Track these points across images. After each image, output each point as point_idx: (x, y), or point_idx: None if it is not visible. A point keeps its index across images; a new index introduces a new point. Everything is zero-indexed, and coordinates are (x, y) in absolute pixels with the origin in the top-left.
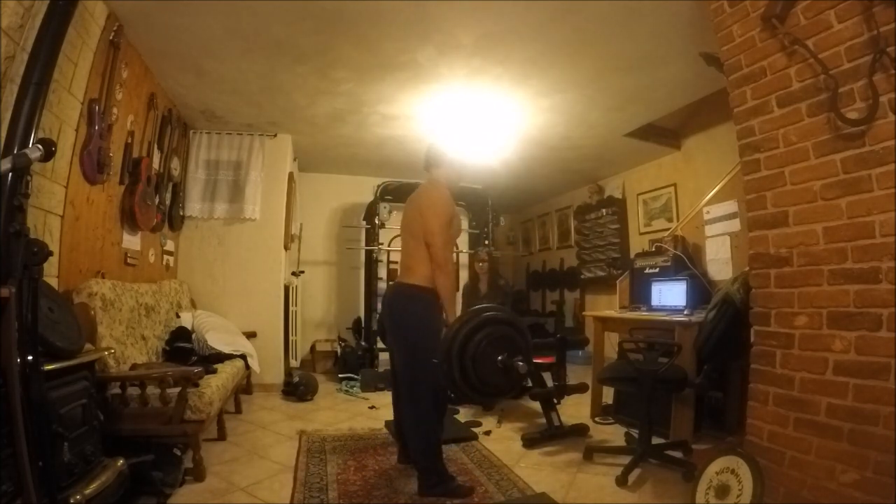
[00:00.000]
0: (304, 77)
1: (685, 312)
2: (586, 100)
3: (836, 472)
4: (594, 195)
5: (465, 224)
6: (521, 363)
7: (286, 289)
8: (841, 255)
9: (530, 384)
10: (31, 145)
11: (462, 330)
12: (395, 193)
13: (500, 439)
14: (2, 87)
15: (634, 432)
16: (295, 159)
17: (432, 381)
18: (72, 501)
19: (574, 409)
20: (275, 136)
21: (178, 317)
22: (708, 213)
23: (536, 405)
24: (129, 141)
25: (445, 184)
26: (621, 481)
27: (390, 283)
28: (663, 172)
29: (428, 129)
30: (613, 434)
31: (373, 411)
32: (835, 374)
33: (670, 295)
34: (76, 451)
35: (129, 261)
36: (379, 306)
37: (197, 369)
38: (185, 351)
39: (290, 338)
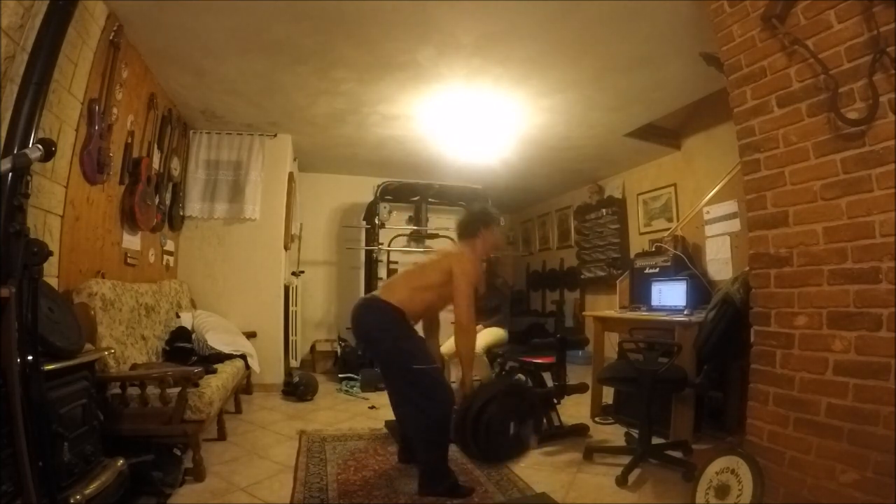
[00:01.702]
0: (304, 77)
1: (685, 312)
2: (586, 100)
3: (836, 472)
4: (594, 195)
5: None
6: (531, 436)
7: (286, 289)
8: (841, 255)
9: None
10: (31, 145)
11: (475, 405)
12: (395, 193)
13: None
14: (2, 87)
15: (634, 432)
16: (295, 159)
17: (426, 384)
18: (72, 501)
19: (574, 409)
20: (275, 136)
21: (178, 317)
22: (708, 213)
23: None
24: (129, 141)
25: (479, 254)
26: (621, 481)
27: (361, 297)
28: (663, 172)
29: (428, 129)
30: (613, 434)
31: (373, 411)
32: (835, 374)
33: (670, 295)
34: (76, 451)
35: (129, 261)
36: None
37: (197, 369)
38: (185, 351)
39: (290, 338)
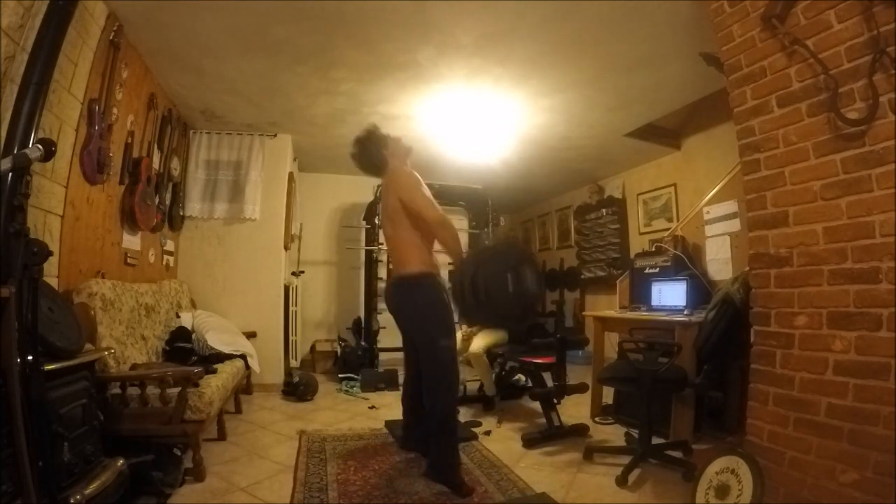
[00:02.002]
0: (304, 77)
1: (685, 312)
2: (586, 100)
3: (836, 472)
4: (594, 195)
5: (465, 224)
6: (534, 284)
7: (286, 289)
8: (841, 255)
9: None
10: (31, 145)
11: (466, 277)
12: None
13: (500, 439)
14: (2, 87)
15: (634, 432)
16: (295, 159)
17: (446, 358)
18: (72, 501)
19: (574, 409)
20: (275, 136)
21: (178, 317)
22: (708, 213)
23: (536, 405)
24: (129, 141)
25: (401, 164)
26: (621, 481)
27: (388, 279)
28: (663, 172)
29: (428, 129)
30: (613, 434)
31: (373, 411)
32: (835, 374)
33: (670, 295)
34: (76, 451)
35: (129, 261)
36: (379, 306)
37: (197, 369)
38: (185, 351)
39: (290, 338)
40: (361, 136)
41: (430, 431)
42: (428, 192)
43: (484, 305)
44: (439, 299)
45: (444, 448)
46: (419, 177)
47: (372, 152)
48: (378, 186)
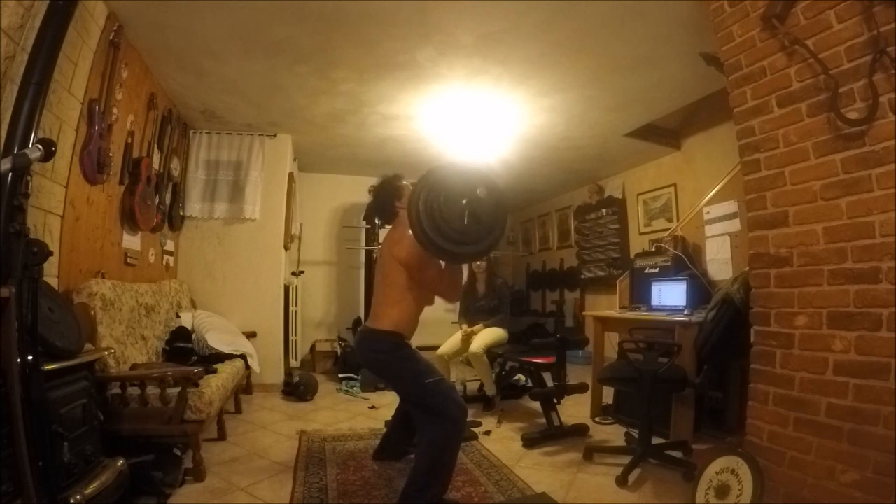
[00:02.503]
0: (304, 77)
1: (685, 312)
2: (586, 100)
3: (836, 472)
4: (594, 195)
5: None
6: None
7: (286, 289)
8: (841, 255)
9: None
10: (31, 145)
11: (422, 190)
12: None
13: (500, 439)
14: (2, 87)
15: (634, 432)
16: (295, 159)
17: (436, 400)
18: (72, 501)
19: (574, 409)
20: (275, 136)
21: (178, 317)
22: (708, 213)
23: (536, 405)
24: (129, 141)
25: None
26: (621, 481)
27: (359, 328)
28: (663, 172)
29: (428, 129)
30: (613, 434)
31: (373, 411)
32: (835, 374)
33: (670, 295)
34: (76, 451)
35: (129, 261)
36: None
37: (197, 369)
38: (185, 351)
39: (290, 338)
40: (376, 184)
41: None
42: (429, 258)
43: (436, 222)
44: (402, 355)
45: (422, 480)
46: (412, 243)
47: (383, 202)
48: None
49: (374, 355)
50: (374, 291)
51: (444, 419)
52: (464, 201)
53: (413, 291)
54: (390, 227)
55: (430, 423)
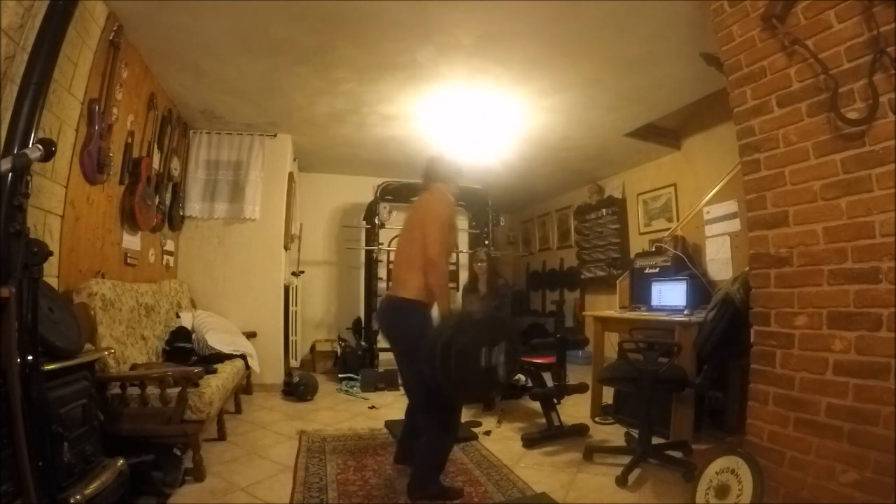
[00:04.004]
0: (304, 77)
1: (685, 312)
2: (586, 100)
3: (836, 472)
4: (594, 195)
5: (464, 224)
6: (501, 370)
7: (286, 289)
8: (841, 255)
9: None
10: (31, 145)
11: (446, 333)
12: (395, 193)
13: (500, 439)
14: (2, 87)
15: (634, 432)
16: (295, 159)
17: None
18: (72, 501)
19: (574, 409)
20: (275, 136)
21: (178, 317)
22: (708, 213)
23: (536, 405)
24: (129, 141)
25: (447, 193)
26: (621, 481)
27: (381, 296)
28: (663, 172)
29: (428, 129)
30: (613, 434)
31: (373, 411)
32: (835, 374)
33: (670, 295)
34: (76, 451)
35: (129, 261)
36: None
37: (197, 369)
38: (185, 351)
39: (290, 338)
40: (436, 154)
41: (420, 447)
42: (448, 233)
43: (451, 372)
44: (427, 329)
45: (429, 464)
46: (453, 213)
47: (435, 166)
48: (379, 187)
49: (396, 324)
50: (397, 259)
51: (447, 407)
52: (482, 363)
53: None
54: (425, 192)
55: (435, 412)
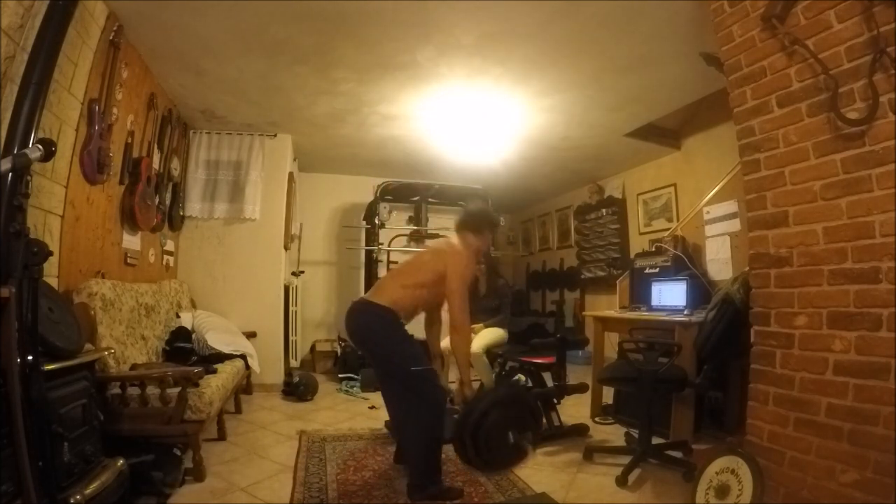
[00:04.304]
0: (304, 77)
1: (685, 312)
2: (586, 100)
3: (836, 472)
4: (594, 195)
5: None
6: (529, 445)
7: (286, 289)
8: (841, 255)
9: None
10: (31, 145)
11: (476, 412)
12: (395, 193)
13: None
14: (2, 87)
15: (634, 432)
16: (295, 159)
17: (421, 386)
18: (72, 501)
19: (574, 409)
20: (275, 136)
21: (178, 317)
22: (708, 213)
23: None
24: (129, 141)
25: (475, 250)
26: (621, 481)
27: (353, 301)
28: (663, 172)
29: (428, 129)
30: (613, 434)
31: (373, 411)
32: (835, 374)
33: (670, 295)
34: (76, 451)
35: (129, 261)
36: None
37: (197, 369)
38: (185, 351)
39: (290, 338)
40: (485, 207)
41: (410, 452)
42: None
43: (480, 451)
44: (394, 331)
45: (424, 469)
46: (472, 274)
47: (480, 217)
48: (379, 187)
49: (368, 328)
50: (386, 277)
51: (427, 404)
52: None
53: (428, 292)
54: (461, 235)
55: (413, 406)
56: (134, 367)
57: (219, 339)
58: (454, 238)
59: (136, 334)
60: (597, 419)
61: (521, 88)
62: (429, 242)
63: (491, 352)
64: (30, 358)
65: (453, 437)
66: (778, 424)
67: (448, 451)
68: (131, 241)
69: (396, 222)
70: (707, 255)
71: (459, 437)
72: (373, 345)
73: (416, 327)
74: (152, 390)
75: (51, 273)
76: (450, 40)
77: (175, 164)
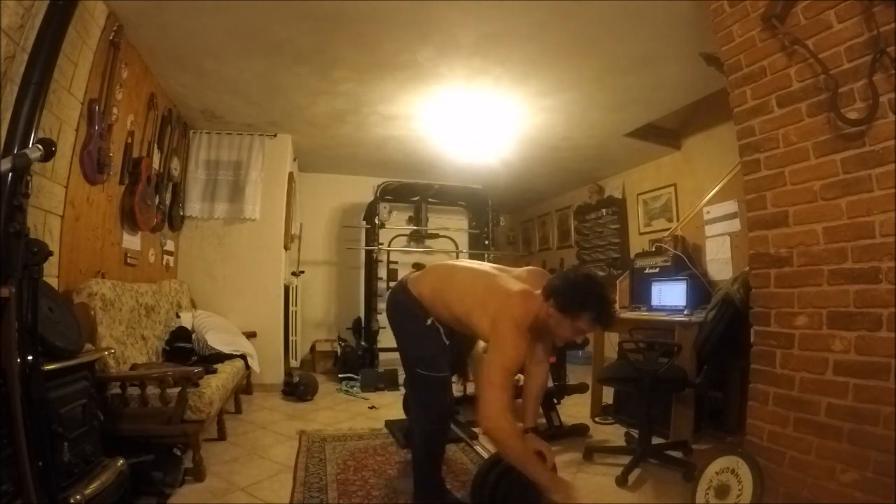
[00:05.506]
0: (304, 77)
1: (685, 312)
2: (586, 100)
3: (836, 472)
4: (594, 195)
5: (464, 224)
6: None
7: (286, 289)
8: (841, 255)
9: None
10: (31, 145)
11: (490, 480)
12: (394, 193)
13: None
14: (2, 87)
15: (634, 432)
16: (295, 159)
17: (423, 392)
18: (72, 501)
19: (574, 409)
20: (275, 136)
21: (178, 317)
22: (708, 213)
23: None
24: (129, 141)
25: (542, 314)
26: (621, 481)
27: (392, 283)
28: (663, 172)
29: (428, 129)
30: (613, 434)
31: (373, 411)
32: (835, 374)
33: (670, 295)
34: (76, 451)
35: (129, 261)
36: (379, 306)
37: (197, 369)
38: (185, 351)
39: (290, 338)
40: (596, 276)
41: (413, 456)
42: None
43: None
44: (419, 327)
45: (420, 472)
46: (520, 353)
47: (578, 292)
48: (379, 187)
49: (395, 309)
50: (435, 266)
51: (426, 413)
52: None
53: (453, 320)
54: (547, 301)
55: (417, 411)
56: (134, 367)
57: (219, 339)
58: (531, 280)
59: (136, 334)
60: (597, 419)
61: (520, 88)
62: (509, 270)
63: None
64: (30, 358)
65: (472, 492)
66: (778, 424)
67: (450, 451)
68: (131, 241)
69: (396, 222)
70: (707, 255)
71: (482, 479)
72: (395, 327)
73: None
74: (152, 390)
75: (51, 273)
76: (450, 40)
77: (175, 164)
